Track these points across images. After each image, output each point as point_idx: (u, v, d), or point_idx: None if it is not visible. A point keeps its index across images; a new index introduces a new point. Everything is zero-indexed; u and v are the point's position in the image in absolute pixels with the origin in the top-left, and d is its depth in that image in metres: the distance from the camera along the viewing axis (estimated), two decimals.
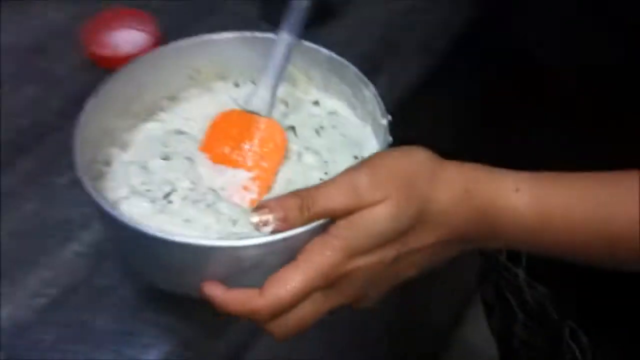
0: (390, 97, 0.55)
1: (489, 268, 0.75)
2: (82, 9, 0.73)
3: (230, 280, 0.44)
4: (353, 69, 0.55)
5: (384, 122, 0.51)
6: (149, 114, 0.58)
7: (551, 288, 0.64)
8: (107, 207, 0.44)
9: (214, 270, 0.44)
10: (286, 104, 0.59)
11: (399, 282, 0.46)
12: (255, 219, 0.42)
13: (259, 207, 0.43)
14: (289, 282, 0.41)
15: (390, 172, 0.43)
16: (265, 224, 0.42)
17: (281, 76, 0.55)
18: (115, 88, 0.53)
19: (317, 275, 0.42)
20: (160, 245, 0.43)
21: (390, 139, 0.49)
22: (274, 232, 0.42)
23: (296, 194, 0.43)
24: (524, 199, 0.44)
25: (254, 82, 0.62)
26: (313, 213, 0.42)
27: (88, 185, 0.45)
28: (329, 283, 0.42)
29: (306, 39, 0.56)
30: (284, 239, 0.42)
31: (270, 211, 0.42)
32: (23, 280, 0.54)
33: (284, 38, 0.55)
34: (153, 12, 0.74)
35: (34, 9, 0.74)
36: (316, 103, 0.60)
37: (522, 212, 0.44)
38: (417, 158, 0.45)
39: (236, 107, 0.59)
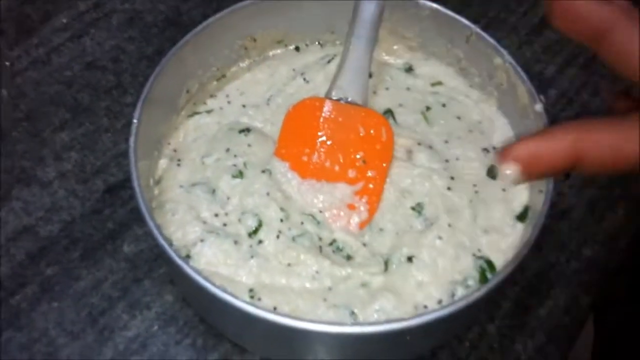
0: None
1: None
2: None
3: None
4: (473, 28, 0.41)
5: (538, 107, 0.38)
6: (196, 102, 0.44)
7: None
8: (198, 278, 0.32)
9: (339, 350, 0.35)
10: (370, 73, 0.44)
11: None
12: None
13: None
14: None
15: None
16: None
17: (374, 46, 0.41)
18: (162, 81, 0.39)
19: None
20: (276, 330, 0.31)
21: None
22: None
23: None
24: None
25: (320, 44, 0.48)
26: None
27: (159, 237, 0.33)
28: None
29: None
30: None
31: None
32: None
33: None
34: None
35: None
36: (410, 70, 0.46)
37: None
38: None
39: (301, 82, 0.46)
